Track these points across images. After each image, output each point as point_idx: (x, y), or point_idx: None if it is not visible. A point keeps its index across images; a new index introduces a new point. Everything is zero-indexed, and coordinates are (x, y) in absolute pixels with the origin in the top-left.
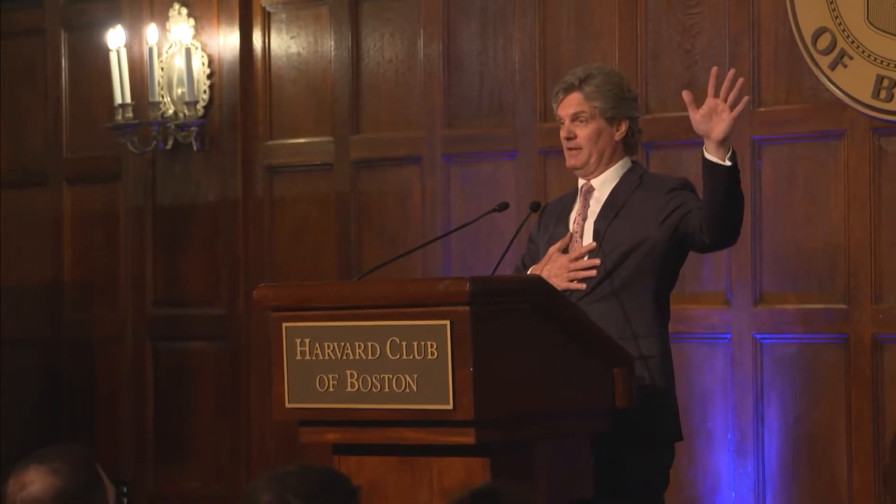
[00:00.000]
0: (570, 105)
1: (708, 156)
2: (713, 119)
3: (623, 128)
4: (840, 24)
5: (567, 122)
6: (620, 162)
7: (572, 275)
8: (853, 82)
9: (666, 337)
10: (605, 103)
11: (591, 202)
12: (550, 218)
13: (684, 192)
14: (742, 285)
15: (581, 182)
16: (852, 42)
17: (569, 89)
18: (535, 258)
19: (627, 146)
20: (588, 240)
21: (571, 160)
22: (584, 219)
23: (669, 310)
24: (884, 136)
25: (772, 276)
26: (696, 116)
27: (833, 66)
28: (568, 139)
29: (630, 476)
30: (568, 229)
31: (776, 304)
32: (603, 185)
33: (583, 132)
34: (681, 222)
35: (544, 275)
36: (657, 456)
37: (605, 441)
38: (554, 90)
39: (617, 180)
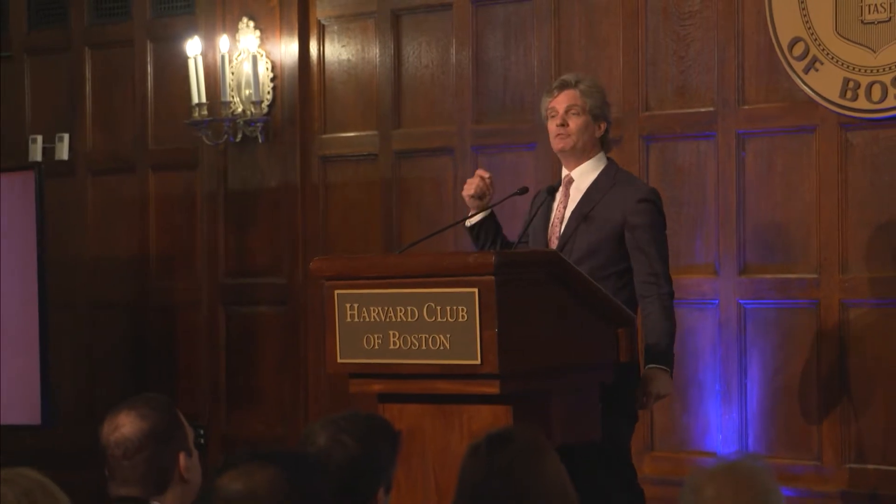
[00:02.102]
0: (565, 99)
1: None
2: None
3: (602, 127)
4: (812, 34)
5: (561, 113)
6: (597, 157)
7: (467, 187)
8: (823, 84)
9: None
10: (595, 102)
11: (572, 191)
12: (538, 201)
13: (649, 215)
14: (728, 257)
15: (564, 173)
16: (823, 49)
17: (565, 86)
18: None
19: (603, 144)
20: (566, 224)
21: (560, 143)
22: (565, 207)
23: (636, 299)
24: (850, 131)
25: (754, 250)
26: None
27: (806, 70)
28: (562, 126)
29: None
30: (550, 211)
31: (758, 274)
32: (581, 176)
33: (574, 122)
34: (630, 251)
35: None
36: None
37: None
38: (549, 87)
39: (595, 174)
